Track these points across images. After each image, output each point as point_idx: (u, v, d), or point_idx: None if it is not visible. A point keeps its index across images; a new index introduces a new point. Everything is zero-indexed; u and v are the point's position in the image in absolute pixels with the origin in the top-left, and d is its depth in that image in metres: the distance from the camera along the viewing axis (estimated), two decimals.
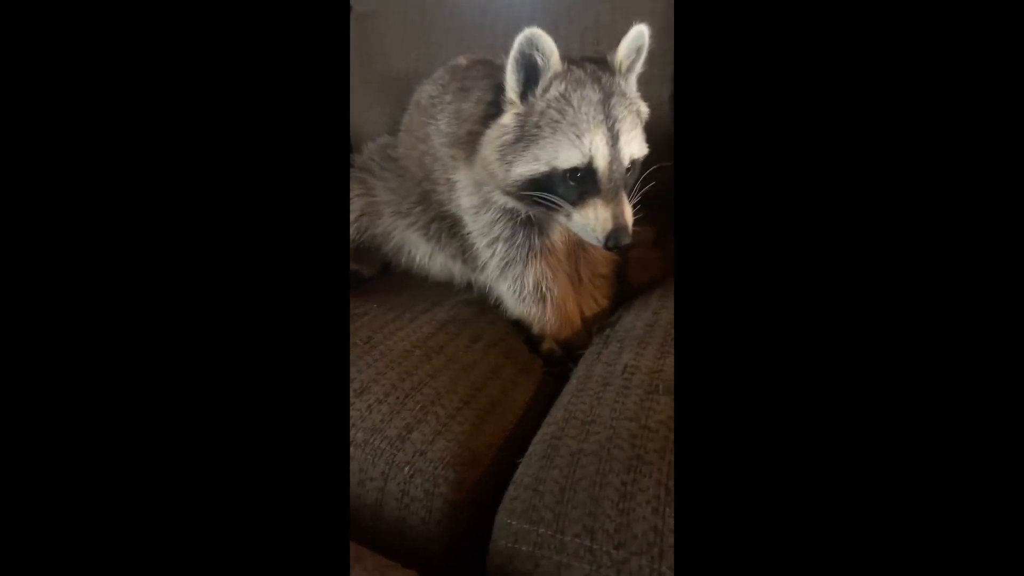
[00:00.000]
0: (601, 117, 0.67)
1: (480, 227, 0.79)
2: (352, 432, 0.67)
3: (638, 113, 0.73)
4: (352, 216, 0.94)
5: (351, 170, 1.02)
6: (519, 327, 0.86)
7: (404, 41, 1.22)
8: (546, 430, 0.63)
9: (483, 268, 0.82)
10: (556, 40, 1.06)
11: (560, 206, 0.68)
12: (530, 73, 0.68)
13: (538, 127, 0.68)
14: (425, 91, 0.87)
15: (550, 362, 0.81)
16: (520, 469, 0.59)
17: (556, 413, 0.65)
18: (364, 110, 1.32)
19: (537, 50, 0.66)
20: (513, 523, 0.54)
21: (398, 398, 0.70)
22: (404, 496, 0.63)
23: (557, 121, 0.67)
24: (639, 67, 0.74)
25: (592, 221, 0.67)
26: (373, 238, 0.94)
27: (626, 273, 0.89)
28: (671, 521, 0.49)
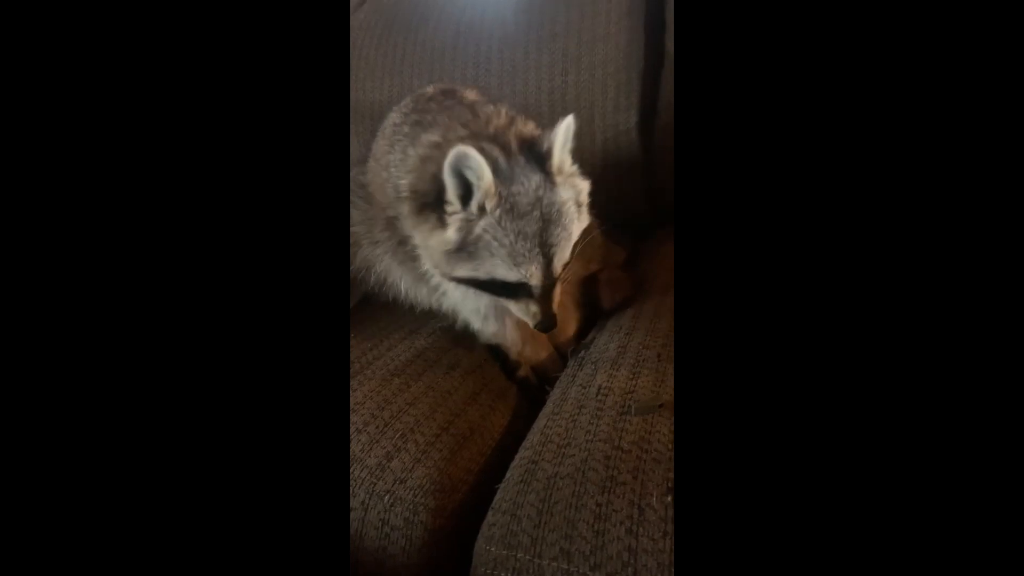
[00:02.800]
0: (537, 250, 0.72)
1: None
2: None
3: (576, 206, 0.76)
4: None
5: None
6: (496, 354, 0.88)
7: (378, 70, 1.25)
8: (523, 454, 0.64)
9: (444, 293, 0.86)
10: (525, 73, 1.10)
11: (501, 298, 0.77)
12: (467, 186, 0.70)
13: (476, 247, 0.72)
14: (390, 119, 0.89)
15: (525, 389, 0.83)
16: (498, 495, 0.60)
17: (533, 437, 0.66)
18: (354, 103, 1.32)
19: (469, 168, 0.68)
20: (492, 549, 0.55)
21: (378, 427, 0.70)
22: (384, 525, 0.64)
23: (495, 249, 0.71)
24: (570, 147, 0.77)
25: (526, 313, 0.76)
26: (364, 261, 0.94)
27: (598, 296, 0.92)
28: (644, 540, 0.50)
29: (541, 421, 0.69)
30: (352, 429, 0.70)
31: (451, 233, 0.72)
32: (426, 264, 0.80)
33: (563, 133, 0.73)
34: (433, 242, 0.74)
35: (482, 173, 0.68)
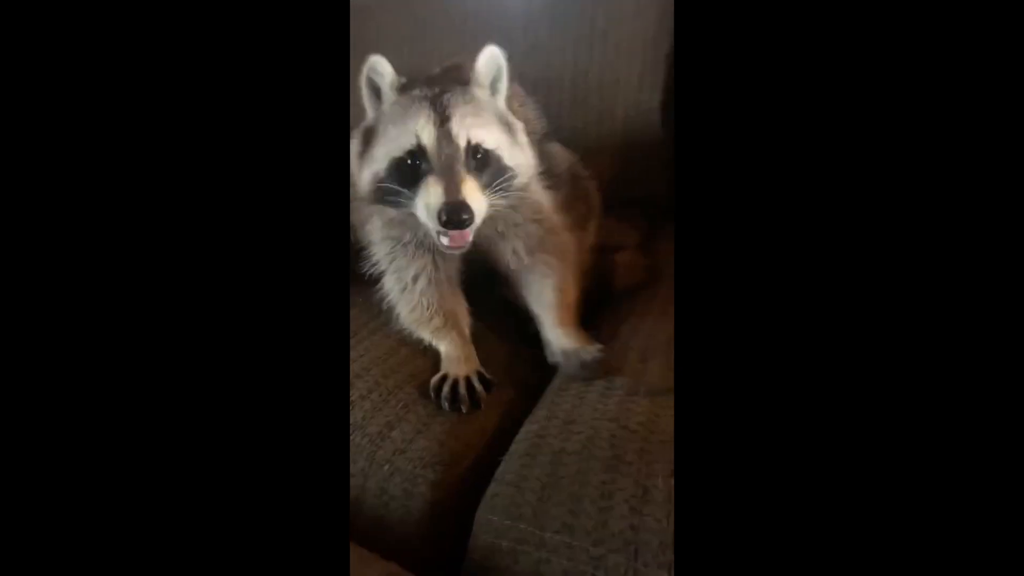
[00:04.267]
0: (427, 104, 0.69)
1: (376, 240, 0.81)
2: None
3: (497, 116, 0.73)
4: None
5: None
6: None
7: (399, 37, 1.23)
8: (528, 428, 0.63)
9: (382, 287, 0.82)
10: (549, 47, 1.08)
11: (407, 195, 0.69)
12: (377, 91, 0.74)
13: (376, 131, 0.73)
14: None
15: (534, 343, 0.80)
16: (502, 466, 0.60)
17: (539, 412, 0.65)
18: (354, 104, 1.32)
19: (377, 73, 0.73)
20: (494, 519, 0.54)
21: (380, 395, 0.70)
22: (383, 494, 0.63)
23: (391, 121, 0.71)
24: (504, 87, 0.75)
25: (426, 199, 0.66)
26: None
27: (612, 278, 0.90)
28: (648, 520, 0.49)
29: (547, 397, 0.68)
30: (356, 395, 0.69)
31: (357, 132, 0.74)
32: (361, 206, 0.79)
33: (486, 57, 0.73)
34: (352, 159, 0.75)
35: (384, 70, 0.72)
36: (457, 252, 0.72)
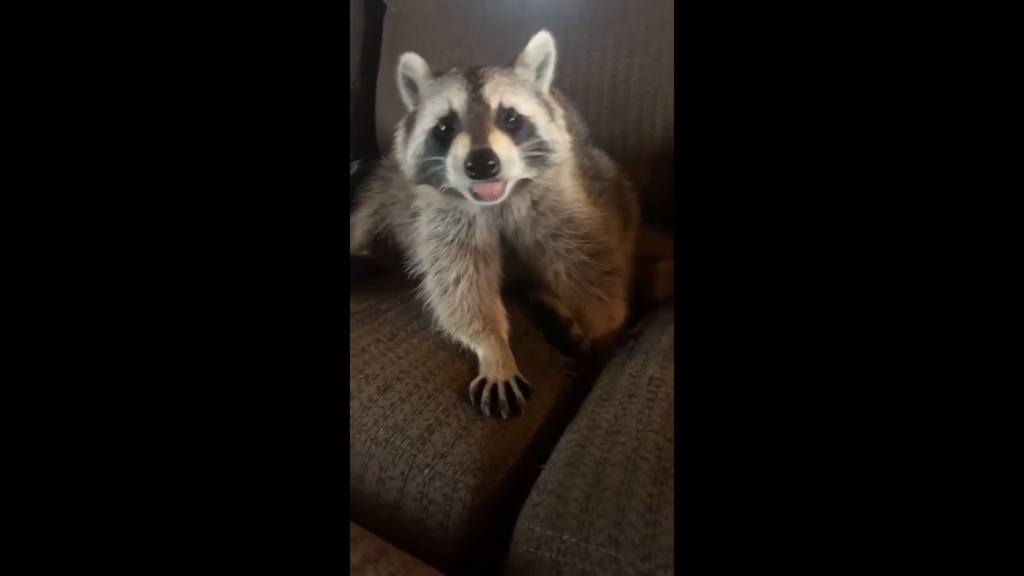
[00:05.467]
0: (461, 75, 0.70)
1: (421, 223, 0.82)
2: (375, 429, 0.67)
3: (536, 93, 0.72)
4: (372, 209, 0.98)
5: (379, 169, 1.03)
6: (541, 316, 0.86)
7: (437, 42, 1.23)
8: (569, 437, 0.62)
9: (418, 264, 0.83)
10: (589, 53, 1.07)
11: (442, 166, 0.68)
12: (414, 87, 0.76)
13: (416, 115, 0.73)
14: None
15: (573, 351, 0.81)
16: (543, 475, 0.59)
17: (580, 421, 0.64)
18: (393, 109, 1.33)
19: (410, 68, 0.74)
20: (536, 528, 0.54)
21: (421, 398, 0.70)
22: (423, 498, 0.63)
23: (428, 99, 0.72)
24: (549, 75, 0.75)
25: (454, 152, 0.65)
26: (388, 228, 0.96)
27: (652, 285, 0.89)
28: None
29: (588, 407, 0.67)
30: (396, 397, 0.69)
31: (402, 121, 0.76)
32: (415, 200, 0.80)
33: (537, 43, 0.72)
34: (398, 148, 0.76)
35: (414, 64, 0.73)
36: (490, 205, 0.71)
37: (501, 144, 0.64)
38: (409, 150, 0.73)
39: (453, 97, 0.68)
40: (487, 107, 0.67)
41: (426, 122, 0.70)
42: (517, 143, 0.67)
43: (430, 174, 0.71)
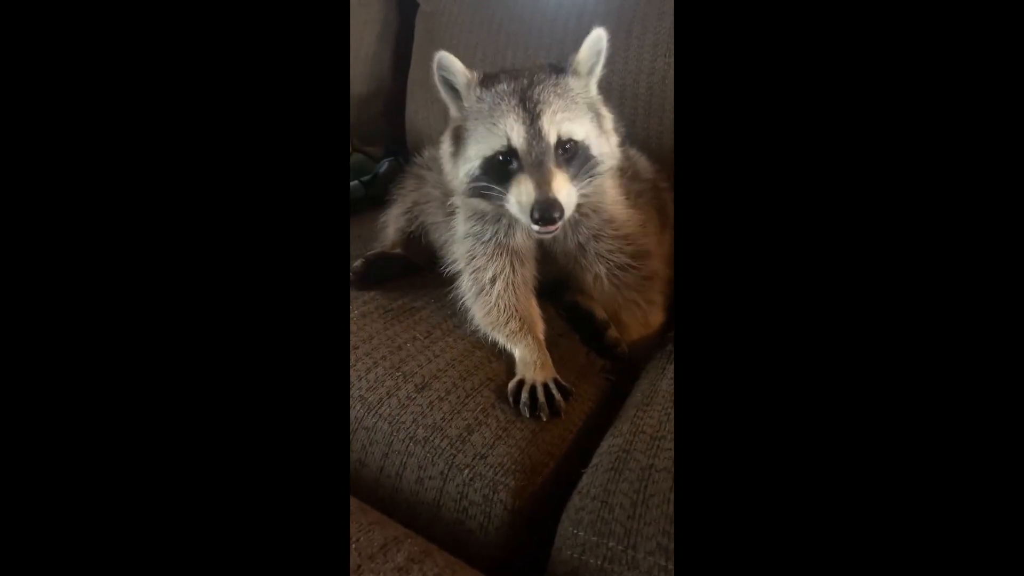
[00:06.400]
0: (516, 102, 0.69)
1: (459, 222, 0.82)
2: (413, 428, 0.66)
3: (588, 106, 0.73)
4: (405, 207, 0.98)
5: (412, 167, 1.03)
6: (575, 315, 0.85)
7: (469, 40, 1.23)
8: (612, 442, 0.62)
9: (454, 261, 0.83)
10: (626, 52, 1.06)
11: (500, 192, 0.70)
12: (455, 89, 0.74)
13: (466, 129, 0.72)
14: None
15: (610, 353, 0.80)
16: (585, 479, 0.58)
17: (622, 426, 0.63)
18: (423, 107, 1.32)
19: (446, 69, 0.72)
20: (580, 533, 0.53)
21: (459, 397, 0.69)
22: (463, 499, 0.62)
23: (477, 118, 0.71)
24: (599, 71, 0.75)
25: (518, 196, 0.67)
26: (421, 226, 0.96)
27: None
28: None
29: (630, 411, 0.66)
30: (434, 396, 0.69)
31: (446, 133, 0.75)
32: (454, 201, 0.80)
33: (592, 41, 0.72)
34: (443, 150, 0.76)
35: (453, 67, 0.71)
36: (547, 237, 0.73)
37: (563, 191, 0.67)
38: (461, 169, 0.73)
39: (512, 132, 0.68)
40: (547, 145, 0.68)
41: (482, 149, 0.70)
42: (573, 176, 0.69)
43: (483, 194, 0.72)
